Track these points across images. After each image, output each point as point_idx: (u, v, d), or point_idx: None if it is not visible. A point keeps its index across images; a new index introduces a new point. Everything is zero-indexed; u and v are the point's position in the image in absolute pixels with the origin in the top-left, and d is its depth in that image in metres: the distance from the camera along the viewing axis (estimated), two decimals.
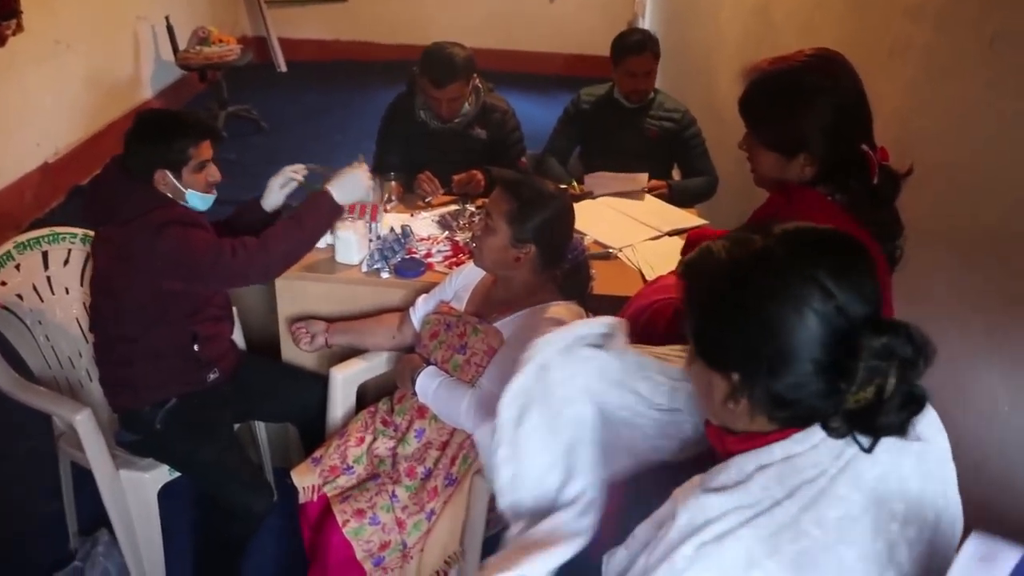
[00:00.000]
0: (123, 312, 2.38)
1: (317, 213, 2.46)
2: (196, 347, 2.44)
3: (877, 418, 1.06)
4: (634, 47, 3.56)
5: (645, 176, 3.46)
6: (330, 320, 2.67)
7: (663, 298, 1.86)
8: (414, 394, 2.33)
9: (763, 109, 1.77)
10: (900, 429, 1.07)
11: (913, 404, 1.06)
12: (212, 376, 2.51)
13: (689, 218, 3.25)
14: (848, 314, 1.05)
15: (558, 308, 2.26)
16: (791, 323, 1.05)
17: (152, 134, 2.35)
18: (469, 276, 2.51)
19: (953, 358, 1.90)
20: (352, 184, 2.51)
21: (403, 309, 2.64)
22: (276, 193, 2.66)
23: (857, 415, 1.06)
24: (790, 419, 1.11)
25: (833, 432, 1.09)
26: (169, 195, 2.38)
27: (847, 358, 1.04)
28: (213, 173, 2.44)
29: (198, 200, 2.43)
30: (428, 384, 2.29)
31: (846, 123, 1.70)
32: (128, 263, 2.31)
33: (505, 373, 2.18)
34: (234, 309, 2.73)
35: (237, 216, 2.67)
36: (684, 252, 2.07)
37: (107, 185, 2.39)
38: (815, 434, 1.11)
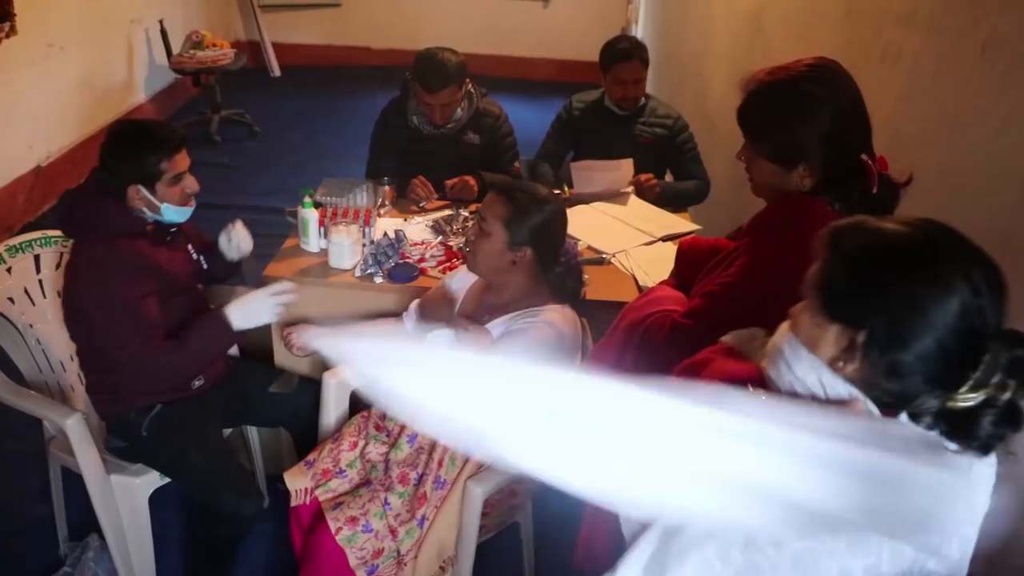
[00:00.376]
0: (94, 324, 2.33)
1: (208, 337, 2.40)
2: None
3: (975, 425, 1.08)
4: (622, 55, 3.56)
5: (630, 162, 3.46)
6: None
7: (657, 311, 1.85)
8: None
9: (761, 120, 1.76)
10: (987, 444, 1.09)
11: (1013, 423, 1.08)
12: (197, 383, 2.51)
13: (682, 223, 3.25)
14: (986, 315, 1.09)
15: (552, 312, 2.26)
16: (937, 303, 1.09)
17: (124, 149, 2.31)
18: (462, 281, 2.51)
19: None
20: (255, 309, 2.42)
21: (397, 314, 2.63)
22: (228, 248, 2.65)
23: (954, 416, 1.09)
24: (888, 394, 1.14)
25: (919, 421, 1.12)
26: (145, 209, 2.34)
27: (973, 354, 1.07)
28: (190, 185, 2.39)
29: (174, 213, 2.38)
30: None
31: (845, 133, 1.69)
32: (75, 281, 2.31)
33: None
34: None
35: (212, 258, 2.67)
36: (677, 260, 2.07)
37: (82, 199, 2.37)
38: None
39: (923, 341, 1.10)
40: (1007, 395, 1.06)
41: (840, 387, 1.16)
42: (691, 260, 2.02)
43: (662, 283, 2.07)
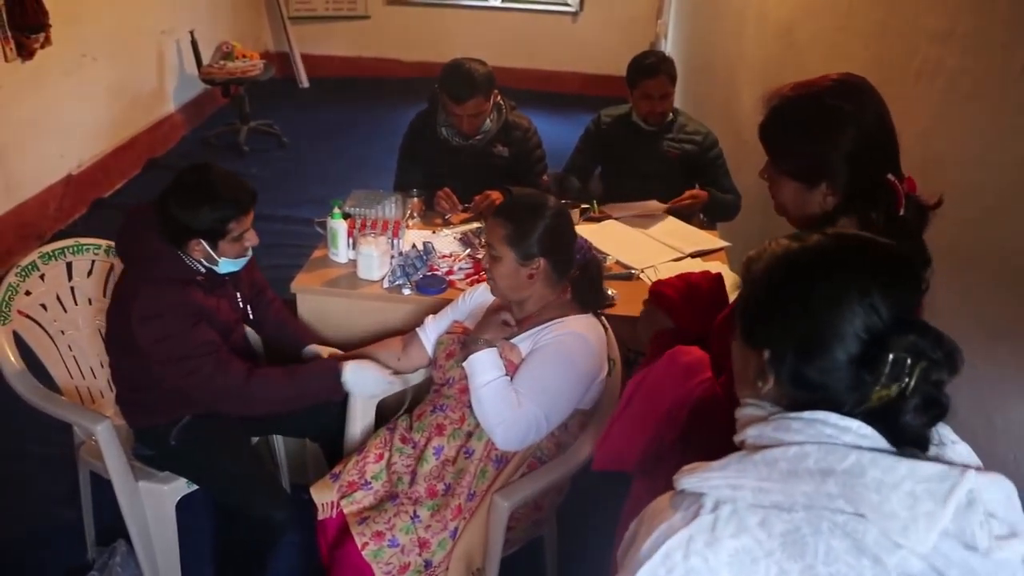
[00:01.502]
0: (131, 346, 2.33)
1: (317, 384, 2.41)
2: None
3: (898, 417, 1.08)
4: (648, 69, 3.54)
5: (658, 204, 3.45)
6: (340, 345, 2.63)
7: (698, 383, 1.68)
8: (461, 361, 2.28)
9: (783, 136, 1.72)
10: (920, 434, 1.09)
11: (935, 408, 1.08)
12: None
13: (710, 239, 3.25)
14: (882, 315, 1.09)
15: (576, 322, 2.26)
16: (829, 314, 1.11)
17: (192, 202, 2.21)
18: (483, 296, 2.51)
19: (980, 387, 1.88)
20: (369, 381, 2.45)
21: (406, 331, 2.64)
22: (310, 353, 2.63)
23: (879, 413, 1.08)
24: (807, 405, 1.13)
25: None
26: (202, 261, 2.30)
27: (876, 352, 1.08)
28: (251, 238, 2.34)
29: (229, 265, 2.35)
30: (483, 370, 2.21)
31: (869, 151, 1.64)
32: (129, 318, 2.24)
33: (546, 389, 2.19)
34: (258, 339, 2.76)
35: (279, 325, 2.68)
36: (646, 302, 1.99)
37: (138, 232, 2.30)
38: None
39: (823, 353, 1.11)
40: (912, 381, 1.07)
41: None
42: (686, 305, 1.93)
43: (657, 335, 1.93)
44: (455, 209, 3.35)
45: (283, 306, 2.73)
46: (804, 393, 1.13)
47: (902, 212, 1.62)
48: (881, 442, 1.07)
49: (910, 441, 1.08)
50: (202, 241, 2.25)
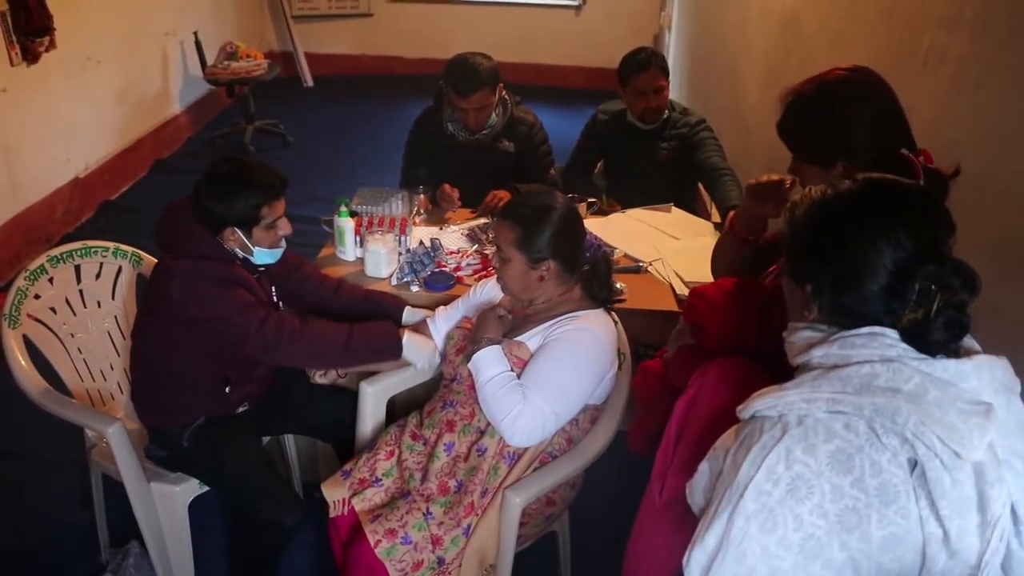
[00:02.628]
0: (160, 339, 2.37)
1: (372, 343, 2.40)
2: (227, 389, 2.44)
3: (926, 335, 1.21)
4: (639, 64, 3.49)
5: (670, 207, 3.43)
6: None
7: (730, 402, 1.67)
8: (466, 360, 2.28)
9: (800, 126, 1.79)
10: (947, 348, 1.23)
11: (958, 327, 1.22)
12: (241, 409, 2.52)
13: (716, 231, 3.23)
14: (908, 248, 1.23)
15: (587, 318, 2.25)
16: (860, 251, 1.25)
17: (224, 191, 2.24)
18: (491, 292, 2.51)
19: None
20: (422, 352, 2.46)
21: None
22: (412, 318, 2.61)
23: (909, 332, 1.23)
24: (854, 326, 1.27)
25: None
26: (237, 250, 2.32)
27: (903, 282, 1.23)
28: (284, 227, 2.36)
29: (265, 255, 2.36)
30: (488, 366, 2.21)
31: (883, 128, 1.71)
32: (168, 296, 2.26)
33: (556, 384, 2.18)
34: None
35: (373, 303, 2.65)
36: (686, 313, 1.95)
37: (180, 220, 2.31)
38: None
39: (858, 285, 1.26)
40: (937, 304, 1.21)
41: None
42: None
43: (677, 352, 1.94)
44: (453, 207, 3.34)
45: (353, 285, 2.71)
46: (844, 319, 1.28)
47: (921, 183, 1.66)
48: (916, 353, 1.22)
49: (939, 352, 1.22)
50: (237, 230, 2.28)
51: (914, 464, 1.19)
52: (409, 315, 2.61)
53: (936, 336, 1.21)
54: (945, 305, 1.21)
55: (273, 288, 2.52)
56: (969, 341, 1.28)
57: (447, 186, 3.34)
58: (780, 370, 1.64)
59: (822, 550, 1.18)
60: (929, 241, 1.24)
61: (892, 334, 1.22)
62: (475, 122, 3.35)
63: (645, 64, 3.48)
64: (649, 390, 2.02)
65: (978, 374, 1.22)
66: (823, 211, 1.33)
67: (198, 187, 2.27)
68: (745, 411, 1.30)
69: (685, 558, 1.28)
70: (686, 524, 1.79)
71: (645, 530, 1.84)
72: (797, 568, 1.19)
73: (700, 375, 1.71)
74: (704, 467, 1.38)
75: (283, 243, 2.40)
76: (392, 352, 2.43)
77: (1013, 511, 1.24)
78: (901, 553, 1.19)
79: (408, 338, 2.43)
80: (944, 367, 1.21)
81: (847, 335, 1.25)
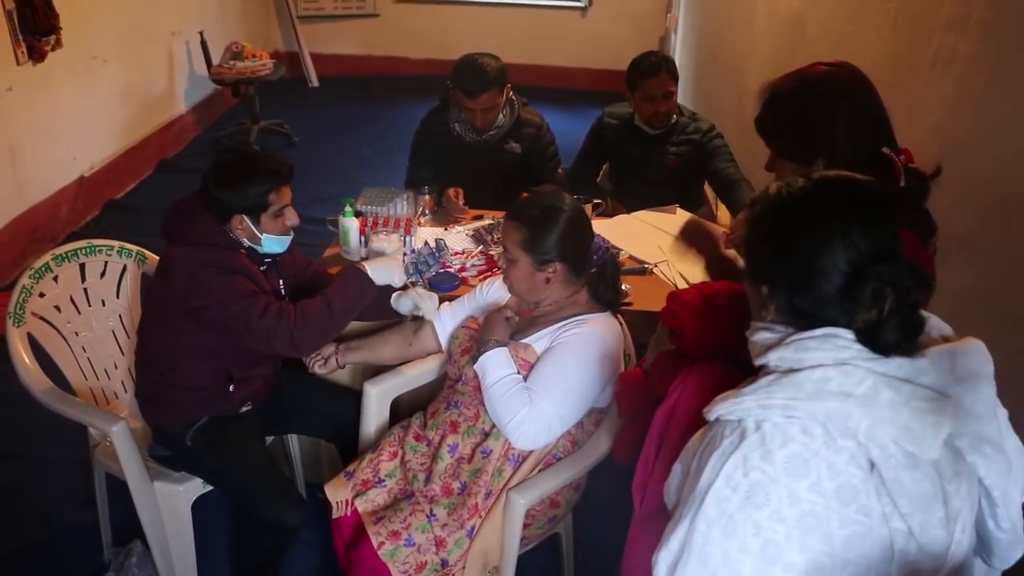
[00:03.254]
0: (165, 331, 2.37)
1: (349, 292, 2.37)
2: (231, 388, 2.43)
3: (880, 335, 1.20)
4: (650, 69, 3.46)
5: (675, 208, 3.42)
6: (341, 339, 2.58)
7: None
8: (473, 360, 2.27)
9: (777, 122, 1.77)
10: (900, 348, 1.21)
11: (910, 326, 1.22)
12: (245, 408, 2.52)
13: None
14: (861, 248, 1.22)
15: (595, 322, 2.24)
16: (813, 252, 1.24)
17: (231, 179, 2.27)
18: (497, 292, 2.50)
19: (997, 374, 1.86)
20: (390, 267, 2.43)
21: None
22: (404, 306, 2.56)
23: (863, 333, 1.21)
24: (811, 326, 1.26)
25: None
26: (245, 239, 2.34)
27: (856, 282, 1.22)
28: (291, 217, 2.37)
29: (274, 243, 2.37)
30: (494, 368, 2.20)
31: (862, 125, 1.69)
32: (171, 285, 2.28)
33: (562, 388, 2.17)
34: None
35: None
36: (664, 317, 1.89)
37: (188, 211, 2.33)
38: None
39: (811, 286, 1.25)
40: (889, 304, 1.20)
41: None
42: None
43: (658, 359, 1.87)
44: (458, 211, 3.33)
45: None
46: (801, 320, 1.27)
47: (902, 183, 1.64)
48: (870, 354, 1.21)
49: (893, 352, 1.21)
50: (245, 218, 2.29)
51: (872, 463, 1.19)
52: (394, 302, 2.57)
53: (889, 337, 1.20)
54: (899, 306, 1.20)
55: (281, 282, 2.51)
56: (940, 325, 1.30)
57: (451, 191, 3.34)
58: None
59: (781, 554, 1.18)
60: (883, 241, 1.24)
61: (847, 335, 1.22)
62: (482, 122, 3.34)
63: (655, 69, 3.45)
64: (630, 400, 1.96)
65: (937, 367, 1.22)
66: (777, 211, 1.32)
67: (205, 178, 2.29)
68: (709, 413, 1.29)
69: (653, 557, 1.29)
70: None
71: (635, 544, 1.82)
72: (757, 571, 1.19)
73: (680, 382, 1.67)
74: (677, 468, 1.39)
75: (291, 233, 2.41)
76: (367, 288, 2.38)
77: (988, 495, 1.26)
78: (867, 549, 1.20)
79: (371, 269, 2.39)
80: (899, 364, 1.20)
81: (801, 338, 1.24)
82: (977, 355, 1.25)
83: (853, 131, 1.69)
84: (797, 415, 1.19)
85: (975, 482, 1.24)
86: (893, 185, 1.66)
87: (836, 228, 1.23)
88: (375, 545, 2.17)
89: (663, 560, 1.27)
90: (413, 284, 2.56)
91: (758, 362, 1.30)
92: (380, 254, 2.81)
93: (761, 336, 1.31)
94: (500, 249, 2.94)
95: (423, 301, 2.48)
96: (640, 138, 3.61)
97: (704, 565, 1.22)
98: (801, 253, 1.26)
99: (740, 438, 1.22)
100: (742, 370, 1.65)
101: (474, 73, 3.24)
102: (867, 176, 1.61)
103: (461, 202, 3.32)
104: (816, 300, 1.25)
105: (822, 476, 1.17)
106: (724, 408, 1.26)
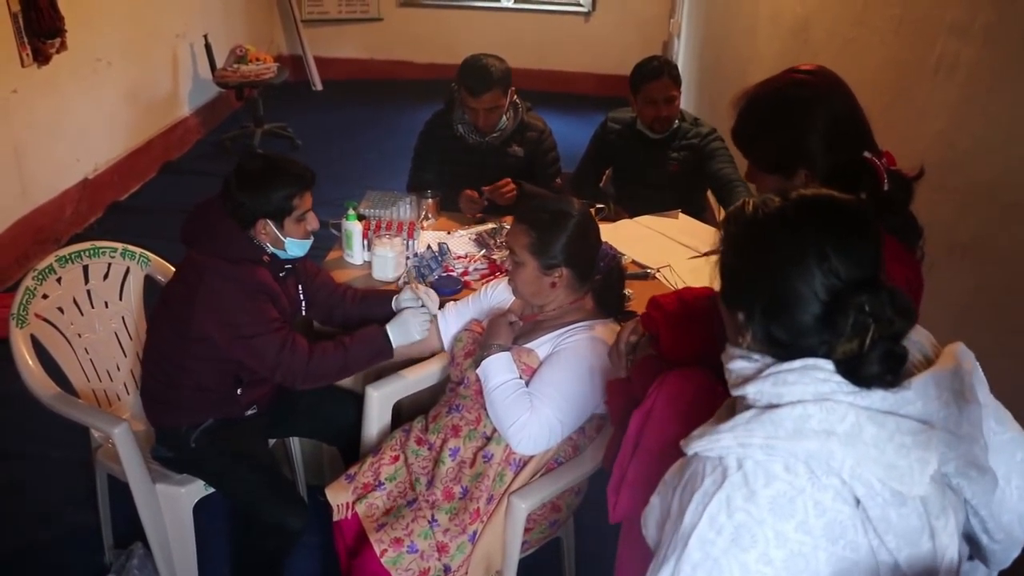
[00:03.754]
0: (176, 333, 2.37)
1: (366, 350, 2.42)
2: (239, 391, 2.44)
3: (860, 368, 1.14)
4: (652, 73, 3.47)
5: (677, 214, 3.42)
6: None
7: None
8: (475, 365, 2.28)
9: (754, 134, 1.74)
10: (883, 380, 1.15)
11: (894, 359, 1.15)
12: (250, 412, 2.53)
13: None
14: (841, 276, 1.16)
15: (599, 328, 2.24)
16: (790, 278, 1.18)
17: (256, 183, 2.29)
18: (502, 294, 2.50)
19: (998, 382, 1.86)
20: (411, 328, 2.45)
21: None
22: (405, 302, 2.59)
23: (844, 364, 1.16)
24: (790, 356, 1.20)
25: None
26: (268, 244, 2.35)
27: (836, 312, 1.15)
28: (312, 221, 2.39)
29: (296, 247, 2.39)
30: (496, 373, 2.21)
31: (840, 130, 1.65)
32: (193, 294, 2.28)
33: (564, 394, 2.17)
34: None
35: (367, 304, 2.65)
36: (643, 322, 1.88)
37: (210, 216, 2.34)
38: None
39: (789, 313, 1.18)
40: (870, 335, 1.14)
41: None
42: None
43: (639, 363, 1.85)
44: (475, 208, 3.36)
45: (354, 289, 2.72)
46: (778, 349, 1.21)
47: (886, 188, 1.61)
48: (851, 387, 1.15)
49: (875, 385, 1.15)
50: (269, 222, 2.31)
51: (858, 500, 1.15)
52: (395, 302, 2.60)
53: (872, 369, 1.14)
54: (881, 337, 1.14)
55: (300, 287, 2.54)
56: (920, 340, 1.26)
57: (468, 191, 3.36)
58: None
59: None
60: (864, 268, 1.17)
61: (827, 366, 1.16)
62: (485, 123, 3.35)
63: (657, 73, 3.46)
64: (617, 406, 1.92)
65: (923, 394, 1.16)
66: (751, 232, 1.25)
67: (228, 183, 2.30)
68: (687, 447, 1.23)
69: None
70: (642, 542, 1.76)
71: (626, 547, 1.81)
72: None
73: (657, 386, 1.65)
74: (655, 500, 1.32)
75: (311, 237, 2.43)
76: (384, 355, 2.45)
77: (976, 513, 1.24)
78: None
79: (393, 333, 2.43)
80: (883, 397, 1.15)
81: (779, 371, 1.17)
82: (968, 372, 1.21)
83: (832, 138, 1.64)
84: (778, 455, 1.14)
85: (962, 511, 1.22)
86: (877, 191, 1.61)
87: (813, 253, 1.16)
88: (377, 552, 2.17)
89: None
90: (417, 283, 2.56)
91: (735, 393, 1.24)
92: (383, 258, 2.81)
93: (738, 365, 1.25)
94: (506, 252, 2.95)
95: (426, 297, 2.50)
96: (642, 143, 3.61)
97: None
98: (778, 279, 1.19)
99: (722, 477, 1.17)
100: (719, 376, 1.65)
101: (479, 72, 3.27)
102: (849, 182, 1.59)
103: (476, 196, 3.35)
104: (794, 329, 1.18)
105: (809, 514, 1.13)
106: (702, 444, 1.20)
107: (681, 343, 1.73)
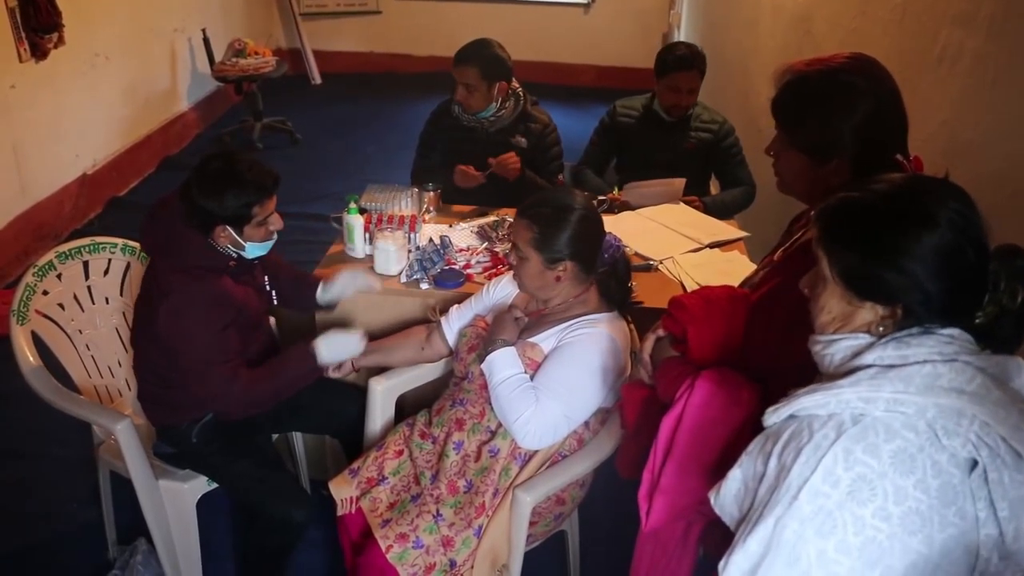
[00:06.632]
0: (158, 349, 2.34)
1: (296, 369, 2.40)
2: None
3: (999, 331, 1.20)
4: (680, 62, 3.51)
5: (682, 181, 3.45)
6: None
7: (749, 400, 1.62)
8: (480, 359, 2.27)
9: (799, 109, 1.70)
10: (1010, 344, 1.21)
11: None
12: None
13: (729, 230, 3.22)
14: (977, 240, 1.19)
15: (603, 323, 2.23)
16: (938, 254, 1.18)
17: (215, 189, 2.19)
18: (505, 290, 2.49)
19: None
20: (341, 346, 2.44)
21: (429, 321, 2.62)
22: (335, 293, 2.60)
23: (981, 329, 1.20)
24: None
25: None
26: (229, 247, 2.30)
27: (981, 278, 1.20)
28: (275, 222, 2.34)
29: (256, 249, 2.35)
30: (501, 368, 2.20)
31: (883, 127, 1.64)
32: (155, 314, 2.24)
33: (569, 387, 2.17)
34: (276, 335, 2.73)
35: (295, 283, 2.64)
36: (665, 324, 1.85)
37: (166, 222, 2.28)
38: None
39: (942, 288, 1.18)
40: (1019, 300, 1.19)
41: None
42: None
43: (663, 365, 1.82)
44: (473, 181, 3.38)
45: (288, 264, 2.70)
46: (935, 320, 1.21)
47: None
48: (973, 345, 1.20)
49: (1004, 349, 1.21)
50: (227, 227, 2.25)
51: (972, 465, 1.15)
52: (321, 293, 2.61)
53: (1007, 331, 1.19)
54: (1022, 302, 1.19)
55: (267, 279, 2.52)
56: None
57: (461, 166, 3.38)
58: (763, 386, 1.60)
59: (882, 555, 1.14)
60: (987, 235, 1.21)
61: (944, 330, 1.18)
62: (462, 97, 3.39)
63: (687, 64, 3.51)
64: (636, 415, 1.91)
65: (1020, 372, 1.20)
66: (876, 219, 1.22)
67: (187, 184, 2.23)
68: (782, 411, 1.23)
69: (722, 563, 1.23)
70: (690, 543, 1.75)
71: (643, 555, 1.80)
72: (854, 574, 1.14)
73: (686, 390, 1.63)
74: (736, 473, 1.31)
75: (275, 237, 2.39)
76: (314, 372, 2.43)
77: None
78: (957, 556, 1.16)
79: (324, 347, 2.42)
80: (997, 363, 1.18)
81: (899, 336, 1.20)
82: None
83: (874, 134, 1.63)
84: (903, 410, 1.15)
85: None
86: None
87: (954, 227, 1.18)
88: (383, 549, 2.16)
89: (737, 564, 1.22)
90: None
91: (842, 368, 1.24)
92: (385, 251, 2.80)
93: (845, 344, 1.25)
94: (509, 245, 2.94)
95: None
96: (657, 124, 3.66)
97: (793, 566, 1.17)
98: (926, 259, 1.18)
99: (837, 432, 1.16)
100: (747, 376, 1.64)
101: (470, 45, 3.37)
102: None
103: (472, 169, 3.38)
104: (959, 302, 1.20)
105: (927, 473, 1.13)
106: (813, 401, 1.20)
107: (708, 344, 1.71)
